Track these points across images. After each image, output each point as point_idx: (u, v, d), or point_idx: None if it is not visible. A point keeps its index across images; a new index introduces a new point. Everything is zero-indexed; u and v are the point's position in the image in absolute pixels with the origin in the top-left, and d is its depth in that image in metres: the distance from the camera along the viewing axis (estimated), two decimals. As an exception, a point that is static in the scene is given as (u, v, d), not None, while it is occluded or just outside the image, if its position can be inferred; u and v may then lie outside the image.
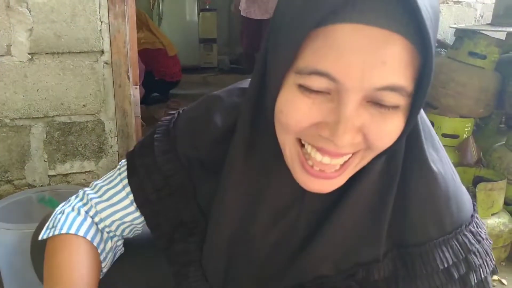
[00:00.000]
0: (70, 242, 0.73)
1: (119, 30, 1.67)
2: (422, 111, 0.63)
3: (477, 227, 0.65)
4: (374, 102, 0.49)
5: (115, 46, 1.68)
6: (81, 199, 0.79)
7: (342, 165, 0.55)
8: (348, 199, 0.60)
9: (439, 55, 2.29)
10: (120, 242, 0.81)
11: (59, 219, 0.75)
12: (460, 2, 2.30)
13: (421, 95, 0.50)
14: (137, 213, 0.75)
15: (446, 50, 2.21)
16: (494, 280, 1.81)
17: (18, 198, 1.59)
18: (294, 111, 0.51)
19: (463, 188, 0.66)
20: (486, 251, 0.65)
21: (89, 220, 0.76)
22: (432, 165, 0.61)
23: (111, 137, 1.80)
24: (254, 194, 0.64)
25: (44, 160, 1.75)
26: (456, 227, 0.63)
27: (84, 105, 1.73)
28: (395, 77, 0.47)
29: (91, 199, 0.77)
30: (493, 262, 0.65)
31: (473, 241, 0.63)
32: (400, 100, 0.49)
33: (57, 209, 0.78)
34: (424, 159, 0.61)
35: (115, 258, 0.82)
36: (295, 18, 0.49)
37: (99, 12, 1.64)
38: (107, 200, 0.76)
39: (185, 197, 0.71)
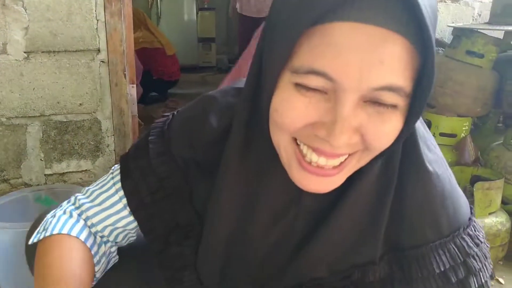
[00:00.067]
0: (62, 242, 0.72)
1: (115, 28, 1.67)
2: None
3: (475, 230, 0.64)
4: (371, 102, 0.48)
5: (112, 44, 1.68)
6: (73, 204, 0.77)
7: (339, 164, 0.53)
8: (346, 200, 0.60)
9: (437, 54, 2.29)
10: (114, 249, 0.79)
11: (50, 222, 0.73)
12: (458, 0, 2.29)
13: (422, 96, 0.49)
14: (131, 218, 0.73)
15: (444, 49, 2.21)
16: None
17: (14, 197, 1.59)
18: (289, 110, 0.50)
19: (460, 191, 0.65)
20: (485, 255, 0.64)
21: (81, 222, 0.74)
22: (428, 165, 0.61)
23: (108, 136, 1.79)
24: (250, 195, 0.63)
25: (41, 159, 1.75)
26: (453, 230, 0.62)
27: (80, 104, 1.72)
28: (393, 77, 0.46)
29: (82, 204, 0.75)
30: (491, 266, 0.65)
31: (471, 245, 0.62)
32: (398, 100, 0.48)
33: (48, 215, 0.76)
34: (421, 161, 0.60)
35: (109, 266, 0.79)
36: (291, 16, 0.48)
37: (95, 11, 1.64)
38: (99, 204, 0.74)
39: (181, 199, 0.69)
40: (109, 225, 0.74)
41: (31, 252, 0.89)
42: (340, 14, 0.45)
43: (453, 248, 0.61)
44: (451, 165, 2.00)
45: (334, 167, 0.53)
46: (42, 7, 1.58)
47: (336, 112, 0.47)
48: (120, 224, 0.74)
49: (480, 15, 2.33)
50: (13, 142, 1.70)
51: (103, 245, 0.76)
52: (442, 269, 0.60)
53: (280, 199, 0.62)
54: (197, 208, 0.69)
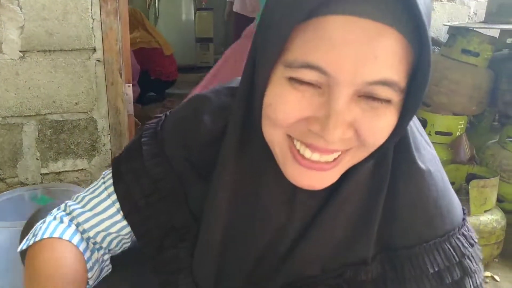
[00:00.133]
0: (53, 245, 0.69)
1: (111, 27, 1.67)
2: None
3: (468, 230, 0.64)
4: (365, 97, 0.48)
5: (107, 43, 1.68)
6: (63, 210, 0.75)
7: (333, 160, 0.53)
8: (339, 197, 0.59)
9: (432, 53, 2.29)
10: (106, 257, 0.76)
11: (40, 228, 0.71)
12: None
13: (417, 92, 0.49)
14: (124, 222, 0.71)
15: (439, 48, 2.21)
16: (487, 277, 1.81)
17: (10, 196, 1.59)
18: (283, 104, 0.49)
19: (453, 191, 0.65)
20: (479, 256, 0.64)
21: (73, 227, 0.72)
22: (421, 164, 0.60)
23: (104, 135, 1.79)
24: (245, 195, 0.63)
25: (37, 158, 1.75)
26: (448, 230, 0.61)
27: (76, 103, 1.72)
28: (387, 72, 0.46)
29: (73, 210, 0.73)
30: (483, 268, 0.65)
31: (466, 245, 0.62)
32: (392, 94, 0.47)
33: (37, 223, 0.74)
34: (412, 160, 0.60)
35: (102, 275, 0.77)
36: (284, 10, 0.48)
37: (91, 10, 1.64)
38: (91, 210, 0.72)
39: (176, 201, 0.68)
40: (102, 230, 0.72)
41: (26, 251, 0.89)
42: (334, 8, 0.44)
43: (449, 248, 0.61)
44: (447, 163, 2.00)
45: (328, 163, 0.53)
46: (38, 6, 1.58)
47: (330, 106, 0.47)
48: (113, 230, 0.72)
49: (476, 14, 2.34)
50: (9, 141, 1.70)
51: (96, 251, 0.74)
52: (436, 269, 0.60)
53: (275, 198, 0.62)
54: (193, 209, 0.68)
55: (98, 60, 1.70)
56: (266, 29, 0.51)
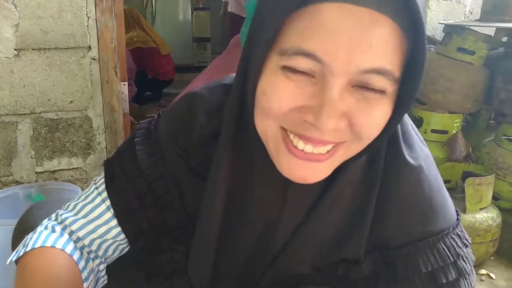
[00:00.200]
0: (44, 254, 0.65)
1: (106, 25, 1.67)
2: None
3: (462, 231, 0.63)
4: (359, 87, 0.47)
5: (103, 42, 1.68)
6: (55, 220, 0.72)
7: (326, 152, 0.52)
8: (331, 193, 0.59)
9: (428, 51, 2.30)
10: (102, 267, 0.73)
11: (31, 238, 0.68)
12: (450, -2, 2.30)
13: (411, 84, 0.49)
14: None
15: (435, 46, 2.22)
16: (482, 274, 1.81)
17: (4, 194, 1.59)
18: (277, 93, 0.49)
19: (446, 192, 0.65)
20: (472, 258, 0.63)
21: (66, 236, 0.69)
22: (411, 160, 0.60)
23: (99, 134, 1.79)
24: (240, 193, 0.62)
25: (31, 157, 1.74)
26: (443, 228, 0.61)
27: (71, 101, 1.72)
28: (382, 60, 0.45)
29: (65, 218, 0.70)
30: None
31: (460, 245, 0.61)
32: (386, 84, 0.47)
33: (28, 235, 0.70)
34: (401, 155, 0.60)
35: (98, 286, 0.74)
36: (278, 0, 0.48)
37: (86, 8, 1.63)
38: (85, 216, 0.69)
39: (171, 202, 0.66)
40: (97, 237, 0.69)
41: (17, 245, 0.88)
42: None
43: (443, 248, 0.60)
44: (443, 161, 2.00)
45: (322, 154, 0.52)
46: (33, 4, 1.58)
47: (323, 96, 0.47)
48: (109, 236, 0.69)
49: (471, 12, 2.34)
50: (3, 140, 1.69)
51: (91, 261, 0.71)
52: (430, 269, 0.59)
53: (267, 194, 0.61)
54: (188, 209, 0.67)
55: (93, 58, 1.69)
56: (261, 17, 0.51)
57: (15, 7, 1.57)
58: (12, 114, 1.67)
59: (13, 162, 1.73)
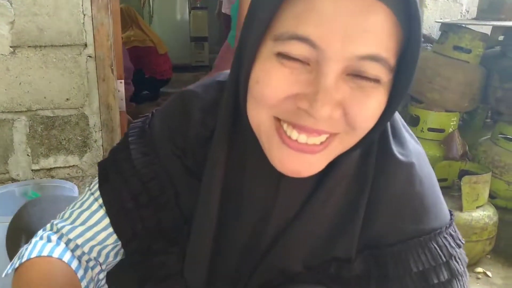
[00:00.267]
0: (41, 264, 0.64)
1: (102, 23, 1.66)
2: None
3: (455, 231, 0.63)
4: (354, 75, 0.47)
5: (99, 39, 1.67)
6: (50, 229, 0.70)
7: (322, 143, 0.51)
8: (323, 189, 0.58)
9: (425, 50, 2.30)
10: (102, 276, 0.71)
11: (26, 249, 0.66)
12: (446, -3, 2.31)
13: (406, 73, 0.49)
14: None
15: (432, 45, 2.22)
16: (479, 273, 1.81)
17: (0, 192, 1.59)
18: (271, 80, 0.48)
19: (439, 190, 0.64)
20: (465, 259, 0.63)
21: (62, 245, 0.67)
22: (401, 156, 0.59)
23: (95, 131, 1.79)
24: (235, 192, 0.62)
25: (28, 155, 1.74)
26: (435, 227, 0.60)
27: (67, 99, 1.72)
28: (377, 47, 0.46)
29: (62, 227, 0.68)
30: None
31: (453, 245, 0.61)
32: (381, 72, 0.47)
33: (22, 248, 0.69)
34: (393, 155, 0.59)
35: None
36: None
37: (82, 5, 1.63)
38: (83, 224, 0.68)
39: (167, 202, 0.65)
40: (97, 244, 0.68)
41: (11, 242, 0.88)
42: None
43: (435, 247, 0.59)
44: (439, 159, 2.01)
45: (316, 145, 0.51)
46: (28, 1, 1.58)
47: (318, 83, 0.46)
48: (109, 242, 0.68)
49: (468, 11, 2.35)
50: (-1, 137, 1.69)
51: (90, 270, 0.69)
52: (421, 269, 0.59)
53: (260, 190, 0.61)
54: (184, 210, 0.66)
55: (89, 56, 1.69)
56: (255, 5, 0.51)
57: (11, 4, 1.56)
58: (8, 112, 1.67)
59: (9, 160, 1.72)
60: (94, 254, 0.69)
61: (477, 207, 1.81)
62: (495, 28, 2.13)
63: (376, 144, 0.60)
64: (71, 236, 0.68)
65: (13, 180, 1.75)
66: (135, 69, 3.75)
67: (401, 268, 0.59)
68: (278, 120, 0.51)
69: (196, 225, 0.63)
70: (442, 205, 0.63)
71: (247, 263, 0.64)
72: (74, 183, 1.71)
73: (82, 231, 0.67)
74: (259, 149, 0.55)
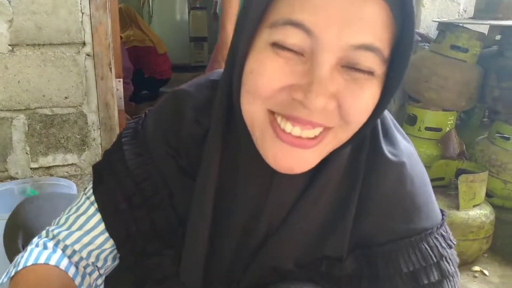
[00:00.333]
0: (37, 272, 0.63)
1: (100, 21, 1.67)
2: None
3: (447, 231, 0.63)
4: (348, 67, 0.47)
5: (97, 37, 1.68)
6: (46, 236, 0.69)
7: (316, 137, 0.51)
8: (315, 186, 0.58)
9: (422, 49, 2.30)
10: (100, 281, 0.71)
11: (22, 256, 0.65)
12: (444, -4, 2.32)
13: (399, 65, 0.49)
14: None
15: (429, 45, 2.23)
16: (476, 271, 1.82)
17: (-1, 190, 1.60)
18: (265, 70, 0.48)
19: (431, 190, 0.64)
20: (456, 260, 0.63)
21: (59, 252, 0.67)
22: (391, 156, 0.59)
23: (94, 130, 1.79)
24: (229, 191, 0.61)
25: (26, 153, 1.75)
26: (426, 227, 0.60)
27: (66, 97, 1.72)
28: (371, 36, 0.46)
29: (58, 233, 0.67)
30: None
31: (444, 245, 0.61)
32: (375, 64, 0.47)
33: (17, 256, 0.67)
34: (383, 154, 0.59)
35: None
36: None
37: (81, 4, 1.64)
38: (80, 228, 0.67)
39: (160, 202, 0.65)
40: (95, 248, 0.67)
41: (8, 240, 0.88)
42: None
43: (426, 247, 0.59)
44: (437, 159, 2.01)
45: (310, 139, 0.51)
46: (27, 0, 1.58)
47: (313, 73, 0.46)
48: (107, 246, 0.67)
49: (465, 10, 2.35)
50: (-2, 135, 1.70)
51: (88, 276, 0.69)
52: (411, 269, 0.58)
53: (253, 189, 0.60)
54: (178, 210, 0.65)
55: (87, 54, 1.70)
56: (248, 3, 0.51)
57: (9, 3, 1.57)
58: (6, 110, 1.67)
59: (8, 158, 1.73)
60: (92, 259, 0.68)
61: (474, 206, 1.82)
62: (492, 27, 2.14)
63: (367, 140, 0.60)
64: (68, 242, 0.67)
65: (12, 178, 1.75)
66: (135, 69, 3.76)
67: (391, 268, 0.59)
68: (272, 113, 0.51)
69: (191, 225, 0.63)
70: (434, 204, 0.63)
71: (240, 261, 0.63)
72: (73, 182, 1.72)
73: (80, 237, 0.67)
74: (252, 147, 0.55)
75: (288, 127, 0.50)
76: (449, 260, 0.61)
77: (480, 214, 1.81)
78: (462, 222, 1.77)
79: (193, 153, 0.63)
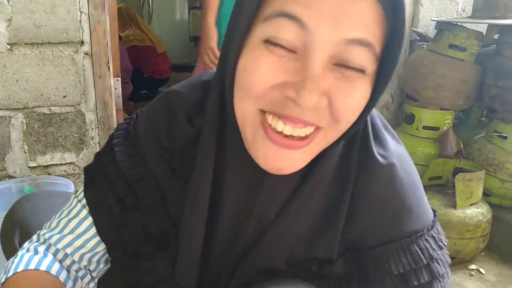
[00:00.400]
0: (27, 278, 0.62)
1: (99, 20, 1.67)
2: (373, 110, 0.61)
3: (438, 232, 0.63)
4: (340, 65, 0.48)
5: (95, 36, 1.68)
6: (37, 240, 0.69)
7: (307, 136, 0.51)
8: (305, 186, 0.58)
9: (420, 48, 2.31)
10: (92, 285, 0.70)
11: (13, 262, 0.64)
12: (442, -4, 2.32)
13: (389, 62, 0.49)
14: None
15: (427, 44, 2.23)
16: (472, 270, 1.82)
17: (-3, 188, 1.60)
18: (258, 67, 0.48)
19: (423, 192, 0.64)
20: (447, 261, 0.63)
21: (50, 257, 0.66)
22: (381, 158, 0.59)
23: (92, 129, 1.80)
24: (221, 192, 0.61)
25: (25, 152, 1.75)
26: (417, 229, 0.60)
27: (64, 96, 1.73)
28: (365, 31, 0.46)
29: (49, 237, 0.67)
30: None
31: (435, 247, 0.61)
32: (367, 61, 0.48)
33: (8, 262, 0.67)
34: (373, 156, 0.59)
35: None
36: None
37: (79, 3, 1.64)
38: (71, 232, 0.66)
39: (153, 204, 0.64)
40: (87, 251, 0.67)
41: (5, 238, 0.89)
42: None
43: (416, 250, 0.59)
44: (434, 157, 2.02)
45: (301, 139, 0.51)
46: (25, -1, 1.59)
47: (306, 71, 0.47)
48: (99, 248, 0.67)
49: (464, 10, 2.35)
50: (-4, 134, 1.70)
51: (79, 280, 0.68)
52: (402, 271, 0.59)
53: (244, 190, 0.60)
54: (171, 212, 0.64)
55: (86, 53, 1.70)
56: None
57: (8, 1, 1.57)
58: (5, 109, 1.68)
59: (6, 157, 1.73)
60: (84, 262, 0.68)
61: (471, 205, 1.82)
62: (490, 26, 2.14)
63: (358, 138, 0.60)
64: (59, 246, 0.67)
65: (10, 177, 1.76)
66: (134, 68, 3.76)
67: (381, 270, 0.59)
68: (263, 113, 0.51)
69: (185, 226, 0.62)
70: (425, 205, 0.63)
71: (231, 261, 0.63)
72: (71, 180, 1.73)
73: (71, 240, 0.67)
74: (243, 147, 0.55)
75: (279, 125, 0.50)
76: (439, 261, 0.61)
77: (477, 212, 1.81)
78: (459, 221, 1.77)
79: (186, 154, 0.63)
